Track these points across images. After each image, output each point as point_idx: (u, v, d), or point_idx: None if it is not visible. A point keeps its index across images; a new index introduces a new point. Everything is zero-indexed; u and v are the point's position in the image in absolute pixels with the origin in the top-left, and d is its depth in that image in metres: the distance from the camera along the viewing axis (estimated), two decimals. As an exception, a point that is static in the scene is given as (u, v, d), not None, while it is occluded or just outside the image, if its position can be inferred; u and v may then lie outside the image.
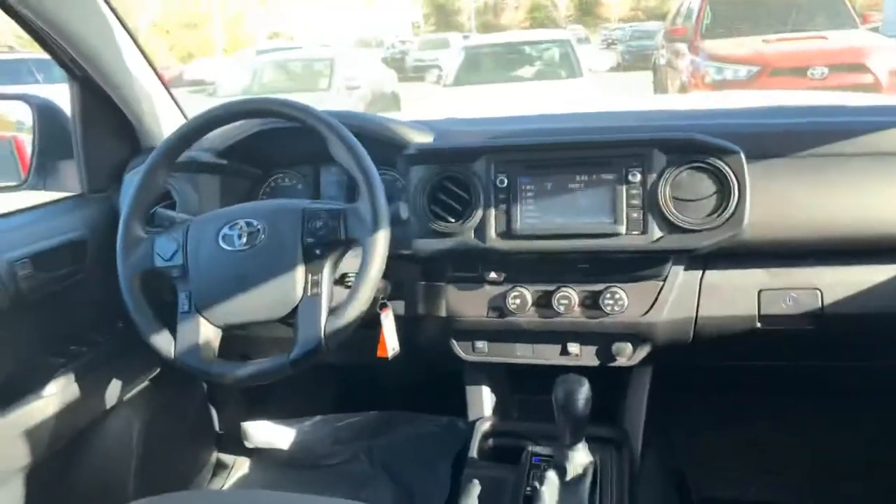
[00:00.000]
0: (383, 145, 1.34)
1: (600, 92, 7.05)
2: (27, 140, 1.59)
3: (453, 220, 1.26)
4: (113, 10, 1.44)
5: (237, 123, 1.41)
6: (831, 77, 5.96)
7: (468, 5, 41.95)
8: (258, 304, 1.12)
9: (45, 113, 1.56)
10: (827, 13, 6.99)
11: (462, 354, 1.42)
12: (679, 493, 1.68)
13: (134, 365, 1.59)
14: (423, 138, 1.37)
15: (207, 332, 1.15)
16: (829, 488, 1.69)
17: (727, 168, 1.15)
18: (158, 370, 1.68)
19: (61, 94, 1.54)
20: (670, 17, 9.11)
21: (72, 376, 1.38)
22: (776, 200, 1.20)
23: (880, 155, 1.20)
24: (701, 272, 1.28)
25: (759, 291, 1.25)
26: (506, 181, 1.24)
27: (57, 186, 1.58)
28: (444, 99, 6.75)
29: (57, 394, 1.35)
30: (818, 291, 1.23)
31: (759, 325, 1.26)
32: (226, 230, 1.16)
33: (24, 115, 1.59)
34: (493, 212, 1.25)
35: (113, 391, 1.52)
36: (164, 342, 1.16)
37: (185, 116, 1.67)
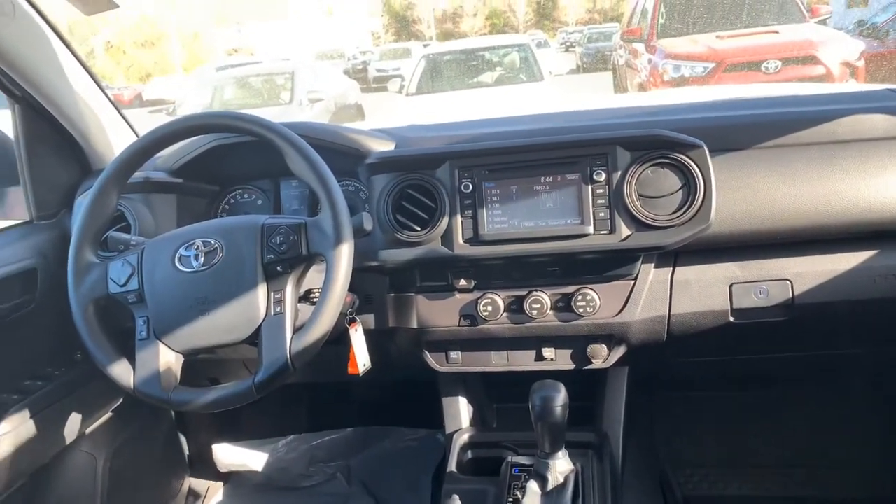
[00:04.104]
0: (343, 155, 1.31)
1: (562, 94, 7.11)
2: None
3: (419, 229, 1.23)
4: (54, 29, 1.38)
5: (191, 140, 1.37)
6: (784, 70, 6.10)
7: (427, 14, 42.16)
8: (219, 326, 1.08)
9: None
10: (777, 8, 7.16)
11: (436, 366, 1.39)
12: (663, 493, 1.67)
13: (94, 396, 1.52)
14: (383, 146, 1.34)
15: (168, 359, 1.10)
16: (808, 477, 1.70)
17: (691, 163, 1.15)
18: (121, 400, 1.62)
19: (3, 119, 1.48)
20: (626, 18, 9.26)
21: (26, 413, 1.32)
22: (741, 192, 1.19)
23: (838, 143, 1.21)
24: (671, 269, 1.27)
25: (731, 285, 1.25)
26: (470, 186, 1.22)
27: (3, 215, 1.51)
28: (406, 108, 6.73)
29: (11, 432, 1.28)
30: (788, 282, 1.23)
31: (731, 318, 1.26)
32: (182, 251, 1.11)
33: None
34: (459, 218, 1.22)
35: (72, 425, 1.45)
36: (122, 372, 1.10)
37: (137, 136, 1.62)
